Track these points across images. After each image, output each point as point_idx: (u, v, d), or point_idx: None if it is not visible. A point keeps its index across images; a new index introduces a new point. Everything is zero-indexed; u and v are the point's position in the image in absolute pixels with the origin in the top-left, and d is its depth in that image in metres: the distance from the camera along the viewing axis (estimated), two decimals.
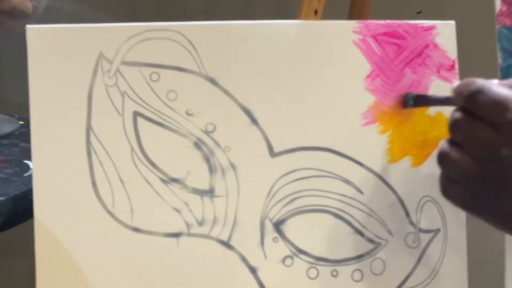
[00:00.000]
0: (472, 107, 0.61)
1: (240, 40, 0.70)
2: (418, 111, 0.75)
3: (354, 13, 1.10)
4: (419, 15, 1.43)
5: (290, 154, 0.72)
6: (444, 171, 0.64)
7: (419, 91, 0.75)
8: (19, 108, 0.99)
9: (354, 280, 0.74)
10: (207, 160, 0.70)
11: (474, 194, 0.61)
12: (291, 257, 0.72)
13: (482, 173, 0.60)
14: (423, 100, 0.74)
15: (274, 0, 1.57)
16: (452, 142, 0.63)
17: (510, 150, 0.58)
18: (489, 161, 0.59)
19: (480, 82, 0.61)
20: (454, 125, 0.62)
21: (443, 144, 0.63)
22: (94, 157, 0.67)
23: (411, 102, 0.74)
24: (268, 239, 0.71)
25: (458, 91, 0.63)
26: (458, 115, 0.62)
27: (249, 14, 1.56)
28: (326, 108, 0.73)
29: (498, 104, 0.59)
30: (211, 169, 0.70)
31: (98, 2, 1.51)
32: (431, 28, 0.76)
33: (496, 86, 0.60)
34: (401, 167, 0.75)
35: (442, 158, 0.63)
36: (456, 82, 0.64)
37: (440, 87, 0.76)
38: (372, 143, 0.74)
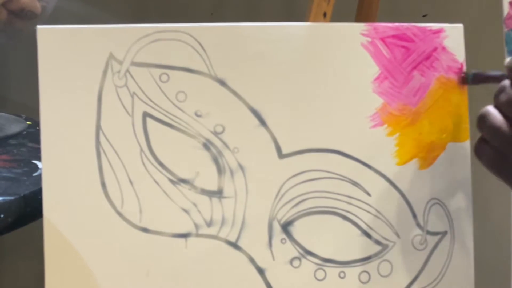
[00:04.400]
0: None
1: (250, 41, 0.70)
2: (426, 113, 0.75)
3: (361, 16, 1.10)
4: (425, 18, 1.43)
5: (298, 156, 0.72)
6: (481, 130, 0.66)
7: (427, 94, 0.76)
8: (27, 109, 1.00)
9: (361, 282, 0.74)
10: (216, 161, 0.70)
11: (504, 157, 0.64)
12: (299, 259, 0.72)
13: None
14: (481, 78, 0.74)
15: (281, 3, 1.57)
16: (495, 106, 0.65)
17: None
18: None
19: None
20: (499, 90, 0.65)
21: (486, 107, 0.66)
22: (103, 157, 0.67)
23: (470, 80, 0.74)
24: (276, 240, 0.71)
25: (509, 66, 0.66)
26: (506, 82, 0.65)
27: (256, 16, 1.56)
28: (334, 110, 0.73)
29: None
30: (220, 170, 0.70)
31: (105, 3, 1.51)
32: (439, 31, 0.76)
33: None
34: (408, 169, 0.75)
35: (482, 118, 0.66)
36: (508, 59, 0.67)
37: None
38: (380, 145, 0.74)
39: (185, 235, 0.69)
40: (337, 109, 0.73)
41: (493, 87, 0.66)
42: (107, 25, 0.68)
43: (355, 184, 0.74)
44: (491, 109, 0.66)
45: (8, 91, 1.60)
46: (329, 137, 0.73)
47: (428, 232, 0.76)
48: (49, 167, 0.66)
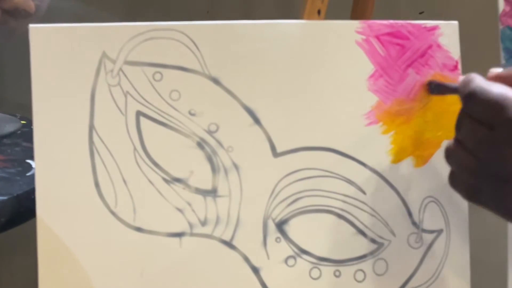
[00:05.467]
0: (469, 108, 0.63)
1: (244, 40, 0.70)
2: (421, 111, 0.75)
3: (356, 13, 1.10)
4: (421, 15, 1.43)
5: (293, 154, 0.72)
6: (450, 165, 0.66)
7: (422, 91, 0.75)
8: (21, 108, 0.99)
9: (357, 281, 0.73)
10: (210, 160, 0.69)
11: (477, 188, 0.63)
12: (294, 257, 0.72)
13: (482, 169, 0.62)
14: (443, 88, 0.74)
15: (276, 0, 1.57)
16: (456, 139, 0.65)
17: (504, 148, 0.60)
18: (488, 159, 0.62)
19: (474, 84, 0.63)
20: (457, 124, 0.65)
21: (451, 140, 0.66)
22: (96, 156, 0.67)
23: (436, 90, 0.74)
24: (271, 239, 0.71)
25: (459, 88, 0.65)
26: (460, 115, 0.65)
27: (251, 14, 1.56)
28: (329, 108, 0.73)
29: (491, 106, 0.61)
30: (214, 169, 0.70)
31: (100, 1, 1.50)
32: (434, 28, 0.76)
33: (490, 86, 0.62)
34: (404, 167, 0.75)
35: (447, 154, 0.66)
36: (461, 77, 0.66)
37: None
38: (375, 143, 0.74)
39: (179, 235, 0.69)
40: (332, 107, 0.73)
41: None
42: (100, 24, 0.68)
43: (350, 182, 0.73)
44: (454, 143, 0.65)
45: (3, 91, 1.60)
46: (323, 135, 0.72)
47: (424, 230, 0.76)
48: (42, 166, 0.66)
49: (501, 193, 0.62)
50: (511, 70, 0.65)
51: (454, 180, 0.66)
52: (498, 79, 0.64)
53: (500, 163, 0.61)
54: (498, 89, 0.61)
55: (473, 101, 0.62)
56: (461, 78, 0.66)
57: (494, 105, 0.61)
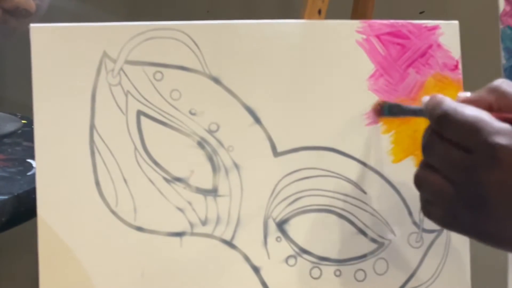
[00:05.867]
0: (441, 130, 0.61)
1: (244, 39, 0.70)
2: None
3: (357, 13, 1.10)
4: (422, 15, 1.43)
5: (293, 154, 0.72)
6: (421, 193, 0.63)
7: (422, 91, 0.75)
8: (22, 107, 0.99)
9: (357, 280, 0.74)
10: (211, 159, 0.70)
11: (455, 214, 0.60)
12: (294, 257, 0.72)
13: (459, 195, 0.59)
14: (397, 110, 0.73)
15: (277, 0, 1.57)
16: (427, 164, 0.62)
17: (484, 172, 0.58)
18: (465, 183, 0.59)
19: (446, 105, 0.60)
20: (426, 148, 0.62)
21: (419, 166, 0.63)
22: (97, 156, 0.67)
23: (387, 112, 0.73)
24: (271, 239, 0.71)
25: (427, 109, 0.62)
26: (430, 137, 0.62)
27: (251, 14, 1.56)
28: (330, 107, 0.73)
29: (466, 128, 0.58)
30: (215, 169, 0.70)
31: (101, 1, 1.50)
32: (434, 28, 0.76)
33: (463, 108, 0.60)
34: (404, 167, 0.75)
35: (418, 181, 0.63)
36: (426, 98, 0.64)
37: None
38: (376, 143, 0.74)
39: (180, 234, 0.69)
40: (332, 107, 0.73)
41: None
42: (101, 23, 0.68)
43: (350, 182, 0.73)
44: (424, 168, 0.62)
45: (4, 90, 1.60)
46: (324, 135, 0.72)
47: (424, 230, 0.76)
48: (43, 166, 0.66)
49: (481, 218, 0.58)
50: (480, 94, 0.62)
51: (429, 209, 0.62)
52: (467, 102, 0.62)
53: (479, 187, 0.58)
54: (472, 111, 0.59)
55: (446, 122, 0.60)
56: (424, 99, 0.64)
57: (470, 127, 0.58)
